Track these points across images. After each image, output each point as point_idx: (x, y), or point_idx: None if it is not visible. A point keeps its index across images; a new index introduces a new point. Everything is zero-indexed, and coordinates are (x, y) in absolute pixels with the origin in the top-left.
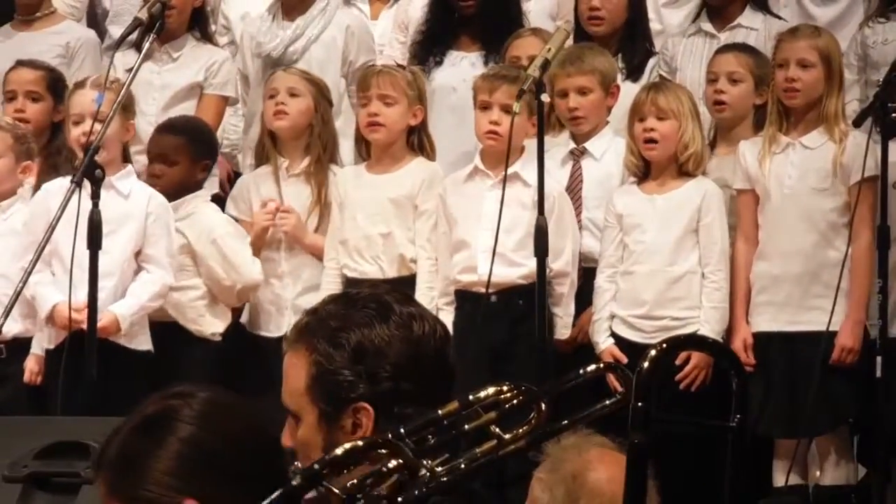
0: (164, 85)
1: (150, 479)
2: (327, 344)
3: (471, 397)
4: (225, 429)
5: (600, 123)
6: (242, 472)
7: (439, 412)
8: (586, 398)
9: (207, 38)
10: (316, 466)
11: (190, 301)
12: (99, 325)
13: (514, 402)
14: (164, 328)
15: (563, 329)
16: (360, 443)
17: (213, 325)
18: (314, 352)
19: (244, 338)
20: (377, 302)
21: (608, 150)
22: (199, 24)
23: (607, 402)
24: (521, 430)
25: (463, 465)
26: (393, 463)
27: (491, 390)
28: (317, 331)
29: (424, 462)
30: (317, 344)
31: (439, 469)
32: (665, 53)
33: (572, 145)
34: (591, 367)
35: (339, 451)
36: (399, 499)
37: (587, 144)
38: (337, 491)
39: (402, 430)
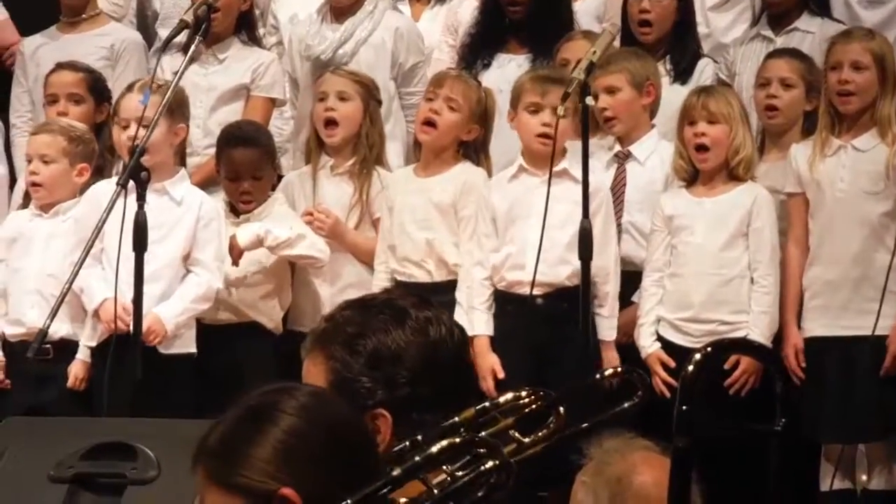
0: (210, 87)
1: (248, 465)
2: (344, 350)
3: (487, 404)
4: (326, 422)
5: (640, 124)
6: (340, 465)
7: (456, 419)
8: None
9: (254, 41)
10: (417, 459)
11: (260, 298)
12: (143, 328)
13: (533, 406)
14: (222, 329)
15: (610, 330)
16: (456, 440)
17: (278, 313)
18: (331, 358)
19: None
20: (392, 307)
21: (653, 154)
22: (246, 28)
23: (626, 404)
24: (540, 434)
25: None
26: (490, 464)
27: (509, 396)
28: (333, 337)
29: (445, 467)
30: (334, 351)
31: (459, 474)
32: (726, 59)
33: (618, 148)
34: (609, 371)
35: (434, 448)
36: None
37: (632, 147)
38: (433, 487)
39: (419, 438)
